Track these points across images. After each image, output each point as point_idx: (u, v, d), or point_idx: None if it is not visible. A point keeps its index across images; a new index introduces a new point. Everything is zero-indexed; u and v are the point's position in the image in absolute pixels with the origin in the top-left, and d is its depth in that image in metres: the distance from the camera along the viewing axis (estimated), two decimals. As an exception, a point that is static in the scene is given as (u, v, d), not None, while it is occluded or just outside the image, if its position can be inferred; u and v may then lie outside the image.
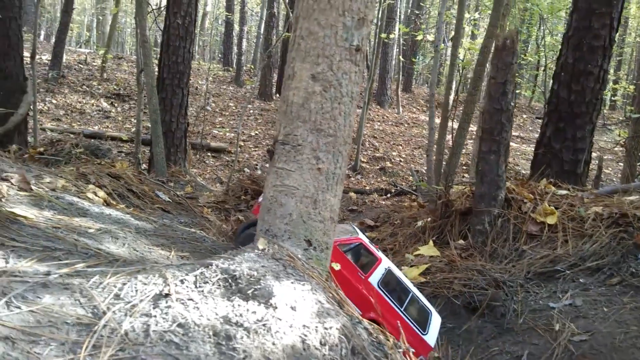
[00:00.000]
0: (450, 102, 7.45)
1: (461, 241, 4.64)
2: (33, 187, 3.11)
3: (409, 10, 20.57)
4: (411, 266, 4.49)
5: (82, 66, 17.00)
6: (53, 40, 16.56)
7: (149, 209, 4.86)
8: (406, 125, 16.45)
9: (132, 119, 14.18)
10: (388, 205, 8.97)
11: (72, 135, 11.26)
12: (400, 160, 13.41)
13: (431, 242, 4.76)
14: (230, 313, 1.78)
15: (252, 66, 20.05)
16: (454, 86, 7.97)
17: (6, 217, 2.58)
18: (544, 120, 6.11)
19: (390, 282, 3.40)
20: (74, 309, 1.82)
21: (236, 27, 19.07)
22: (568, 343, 3.59)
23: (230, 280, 1.96)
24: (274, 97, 16.51)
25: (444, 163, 7.24)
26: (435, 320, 3.61)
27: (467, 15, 10.58)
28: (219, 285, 1.94)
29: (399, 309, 3.43)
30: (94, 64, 17.24)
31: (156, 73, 8.11)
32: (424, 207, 5.73)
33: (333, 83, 2.20)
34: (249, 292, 1.88)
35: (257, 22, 21.38)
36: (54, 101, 14.57)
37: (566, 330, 3.66)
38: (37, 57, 10.57)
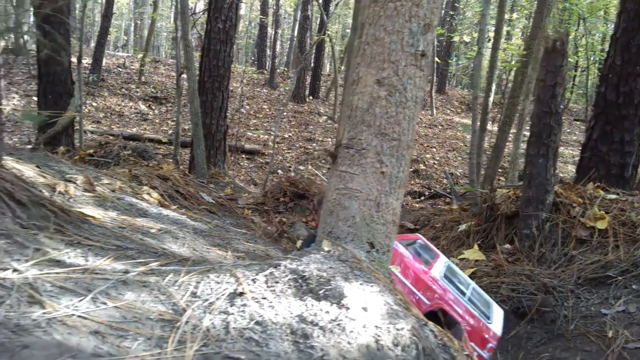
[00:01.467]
0: (489, 104, 7.37)
1: (507, 245, 4.60)
2: (96, 188, 3.24)
3: (443, 12, 20.44)
4: (457, 270, 4.47)
5: (120, 70, 17.46)
6: (93, 44, 17.05)
7: (196, 210, 4.98)
8: (440, 127, 16.33)
9: (169, 121, 14.49)
10: (424, 207, 8.93)
11: (111, 137, 11.58)
12: (434, 163, 13.32)
13: (476, 246, 4.73)
14: (304, 312, 1.84)
15: (286, 69, 20.22)
16: (493, 88, 7.88)
17: (77, 217, 2.70)
18: (590, 122, 6.00)
19: (451, 276, 3.49)
20: (155, 305, 1.90)
21: (270, 30, 19.26)
22: (622, 350, 3.53)
23: (300, 281, 2.01)
24: (307, 100, 16.61)
25: (482, 166, 7.18)
26: (498, 311, 3.65)
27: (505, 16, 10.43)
28: (290, 285, 2.00)
29: (462, 299, 3.48)
30: (132, 67, 17.68)
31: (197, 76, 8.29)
32: (466, 210, 5.69)
33: (398, 88, 2.23)
34: (320, 292, 1.93)
35: (291, 25, 21.55)
36: (94, 104, 15.01)
37: (620, 337, 3.60)
38: (73, 60, 10.90)
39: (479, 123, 6.68)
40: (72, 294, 1.89)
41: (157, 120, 14.58)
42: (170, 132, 13.32)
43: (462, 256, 4.66)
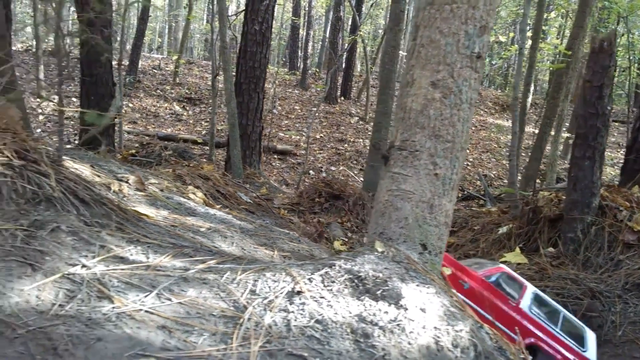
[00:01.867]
0: (528, 105, 7.25)
1: (551, 249, 4.53)
2: (147, 188, 3.33)
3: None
4: (498, 273, 4.42)
5: (156, 71, 17.81)
6: (128, 46, 17.46)
7: (236, 210, 5.05)
8: (473, 128, 16.13)
9: (203, 122, 14.71)
10: (458, 209, 8.84)
11: (147, 138, 11.83)
12: (468, 165, 13.16)
13: (518, 249, 4.67)
14: (363, 312, 1.86)
15: (317, 70, 20.28)
16: (531, 89, 7.74)
17: (133, 215, 2.78)
18: (635, 124, 5.84)
19: (540, 305, 3.46)
20: (217, 302, 1.96)
21: (301, 31, 19.36)
22: (674, 358, 3.44)
23: (356, 281, 2.04)
24: (339, 100, 16.63)
25: (520, 168, 7.06)
26: (591, 337, 3.59)
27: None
28: (346, 285, 2.02)
29: (554, 330, 3.45)
30: (167, 69, 18.02)
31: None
32: (505, 212, 5.62)
33: (453, 90, 2.23)
34: (378, 292, 1.95)
35: (322, 26, 21.60)
36: (130, 105, 15.35)
37: (671, 345, 3.51)
38: (114, 63, 11.17)
39: (505, 123, 6.57)
40: (137, 290, 1.95)
41: (191, 121, 14.82)
42: (204, 132, 13.52)
43: (503, 259, 4.60)
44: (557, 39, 17.09)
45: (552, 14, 13.27)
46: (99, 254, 2.17)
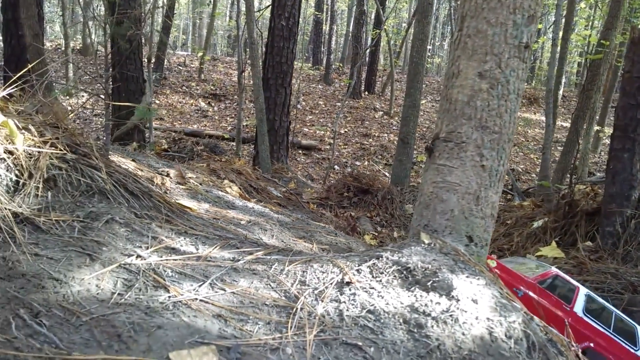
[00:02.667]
0: (559, 98, 7.12)
1: (589, 243, 4.46)
2: (187, 182, 3.39)
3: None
4: (535, 267, 4.37)
5: (181, 68, 18.01)
6: (154, 43, 17.66)
7: (269, 204, 5.10)
8: (499, 122, 15.91)
9: (228, 118, 14.83)
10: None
11: (174, 134, 11.98)
12: (495, 159, 12.98)
13: (554, 243, 4.60)
14: (415, 303, 1.86)
15: (341, 64, 20.24)
16: (563, 81, 7.60)
17: (177, 208, 2.83)
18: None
19: (593, 307, 3.45)
20: (268, 292, 1.98)
21: (325, 26, 19.34)
22: None
23: (404, 272, 2.04)
24: (363, 95, 16.58)
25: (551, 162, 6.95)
26: None
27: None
28: (395, 276, 2.03)
29: (608, 331, 3.49)
30: (192, 65, 18.21)
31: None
32: (540, 206, 5.54)
33: (500, 80, 2.21)
34: (428, 284, 1.95)
35: (345, 21, 21.53)
36: (157, 101, 15.55)
37: None
38: (144, 60, 11.33)
39: (537, 116, 6.46)
40: (191, 280, 1.99)
41: (216, 117, 14.95)
42: (229, 128, 13.63)
43: (539, 253, 4.55)
44: (586, 29, 16.73)
45: (582, 4, 12.98)
46: (152, 245, 2.22)
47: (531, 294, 3.20)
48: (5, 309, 1.55)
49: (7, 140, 2.07)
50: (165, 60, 17.14)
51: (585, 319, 3.38)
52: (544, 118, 16.16)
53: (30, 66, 2.66)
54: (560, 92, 7.17)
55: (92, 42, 16.14)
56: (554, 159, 9.93)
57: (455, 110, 2.28)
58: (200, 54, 16.92)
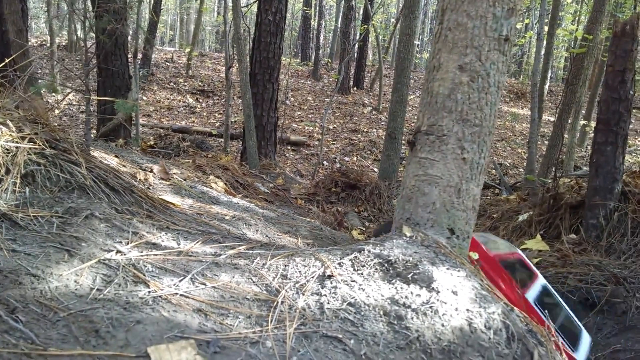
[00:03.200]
0: (545, 92, 7.17)
1: (573, 235, 4.50)
2: (170, 177, 3.37)
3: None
4: (519, 260, 4.40)
5: (168, 64, 17.88)
6: (141, 39, 17.52)
7: (255, 199, 5.09)
8: (487, 117, 16.00)
9: (216, 114, 14.76)
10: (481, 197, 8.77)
11: (161, 130, 11.90)
12: (483, 153, 13.06)
13: (539, 236, 4.64)
14: (395, 295, 1.87)
15: (330, 60, 20.23)
16: (548, 75, 7.65)
17: (160, 203, 2.82)
18: (657, 109, 5.76)
19: (546, 300, 3.46)
20: (249, 286, 1.98)
21: (313, 21, 19.30)
22: (699, 344, 3.42)
23: (386, 265, 2.05)
24: (351, 91, 16.58)
25: (537, 156, 7.00)
26: (585, 339, 3.59)
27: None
28: (377, 268, 2.04)
29: (553, 327, 3.44)
30: (180, 61, 18.09)
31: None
32: (525, 200, 5.59)
33: (481, 73, 2.22)
34: (409, 276, 1.96)
35: (333, 16, 21.50)
36: (144, 98, 15.43)
37: (697, 330, 3.49)
38: (129, 56, 11.23)
39: (524, 111, 6.51)
40: (172, 275, 1.98)
41: (204, 113, 14.87)
42: (217, 124, 13.57)
43: (524, 246, 4.59)
44: (573, 24, 16.85)
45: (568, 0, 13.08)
46: (132, 240, 2.21)
47: (485, 267, 3.17)
48: (-20, 305, 1.53)
49: (-17, 136, 2.04)
50: (153, 56, 17.01)
51: (535, 308, 3.37)
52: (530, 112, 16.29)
53: (7, 61, 2.62)
54: (547, 86, 7.22)
55: (78, 38, 15.96)
56: (541, 153, 10.01)
57: (437, 103, 2.29)
58: (187, 50, 16.81)
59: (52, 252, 1.92)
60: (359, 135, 13.93)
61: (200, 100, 15.73)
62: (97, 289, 1.80)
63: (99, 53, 7.10)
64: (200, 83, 16.41)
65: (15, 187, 2.11)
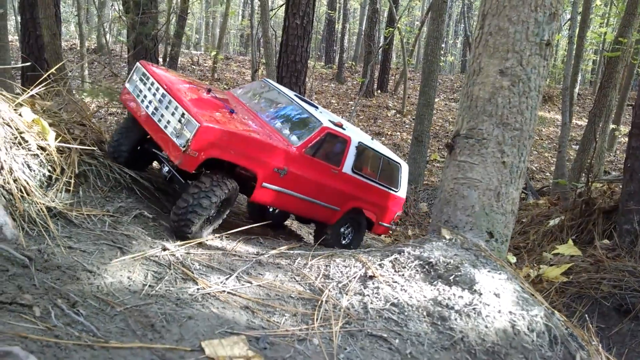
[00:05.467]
0: (575, 96, 7.08)
1: (606, 241, 4.44)
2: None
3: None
4: (551, 265, 4.37)
5: (194, 67, 18.11)
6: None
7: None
8: (513, 120, 15.80)
9: (241, 116, 14.88)
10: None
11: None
12: (509, 157, 12.91)
13: (570, 241, 4.59)
14: (438, 296, 1.90)
15: (354, 63, 20.24)
16: (578, 79, 7.56)
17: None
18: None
19: (361, 159, 3.42)
20: (293, 285, 2.03)
21: (337, 24, 19.36)
22: None
23: (427, 267, 2.08)
24: (376, 94, 16.57)
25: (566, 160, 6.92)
26: (405, 171, 3.88)
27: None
28: (417, 270, 2.06)
29: (374, 181, 3.56)
30: (205, 64, 18.31)
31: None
32: (556, 204, 5.53)
33: (522, 77, 2.23)
34: (450, 278, 1.98)
35: (357, 19, 21.53)
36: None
37: None
38: (160, 59, 11.39)
39: (556, 115, 6.45)
40: (218, 272, 2.05)
41: (229, 116, 15.00)
42: (243, 126, 13.68)
43: (556, 251, 4.54)
44: (602, 27, 16.57)
45: (598, 1, 12.86)
46: (179, 239, 2.28)
47: (295, 170, 2.95)
48: (44, 298, 1.61)
49: (39, 137, 2.13)
50: (179, 60, 17.26)
51: (354, 176, 3.34)
52: (558, 116, 16.03)
53: (56, 67, 2.73)
54: (576, 90, 7.13)
55: (107, 42, 16.30)
56: (568, 157, 9.85)
57: (477, 107, 2.31)
58: (213, 53, 17.01)
59: (105, 249, 1.99)
60: (383, 139, 13.91)
61: (226, 103, 15.90)
62: (149, 285, 1.87)
63: (143, 58, 7.25)
64: (225, 86, 16.58)
65: (70, 186, 2.20)
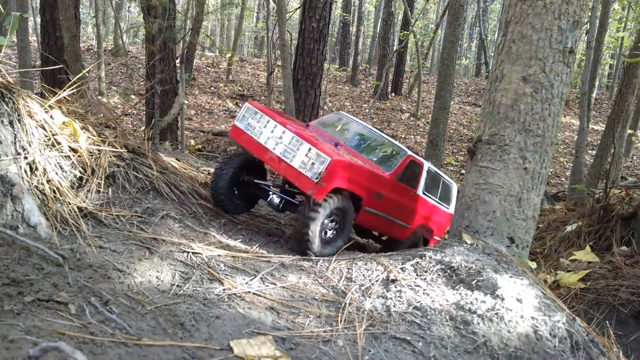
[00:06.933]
0: (592, 100, 7.04)
1: (624, 247, 4.41)
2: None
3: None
4: (568, 271, 4.35)
5: (209, 69, 18.26)
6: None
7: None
8: (527, 124, 15.70)
9: (256, 118, 14.95)
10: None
11: (202, 134, 12.17)
12: (523, 162, 12.83)
13: (588, 247, 4.57)
14: (460, 301, 1.92)
15: (368, 66, 20.26)
16: (596, 83, 7.51)
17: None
18: None
19: (429, 181, 3.84)
20: (316, 287, 2.07)
21: (352, 27, 19.40)
22: None
23: (448, 271, 2.10)
24: (389, 97, 16.57)
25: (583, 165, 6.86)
26: (455, 190, 4.25)
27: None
28: (439, 274, 2.09)
29: (436, 200, 3.94)
30: (220, 66, 18.45)
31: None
32: (572, 210, 5.50)
33: (544, 84, 2.25)
34: (472, 282, 2.00)
35: (372, 22, 21.55)
36: (186, 102, 15.78)
37: None
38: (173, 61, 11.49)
39: (573, 121, 6.41)
40: (243, 274, 2.09)
41: (244, 117, 15.08)
42: (257, 128, 13.74)
43: (573, 257, 4.52)
44: (619, 31, 16.42)
45: (615, 5, 12.75)
46: (204, 240, 2.33)
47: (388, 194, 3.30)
48: (78, 296, 1.66)
49: (71, 139, 2.19)
50: (194, 62, 17.41)
51: (423, 197, 3.73)
52: (573, 121, 15.88)
53: (85, 70, 2.80)
54: (593, 95, 7.08)
55: (124, 43, 16.47)
56: (585, 162, 9.77)
57: (499, 113, 2.33)
58: (228, 55, 17.14)
59: (134, 249, 2.04)
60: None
61: (240, 105, 16.00)
62: (177, 285, 1.92)
63: (167, 62, 7.35)
64: (240, 88, 16.69)
65: (100, 187, 2.25)
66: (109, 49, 20.04)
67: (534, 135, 2.28)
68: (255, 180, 3.21)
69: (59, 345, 1.08)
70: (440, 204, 4.06)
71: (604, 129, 7.73)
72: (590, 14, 5.98)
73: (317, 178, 2.70)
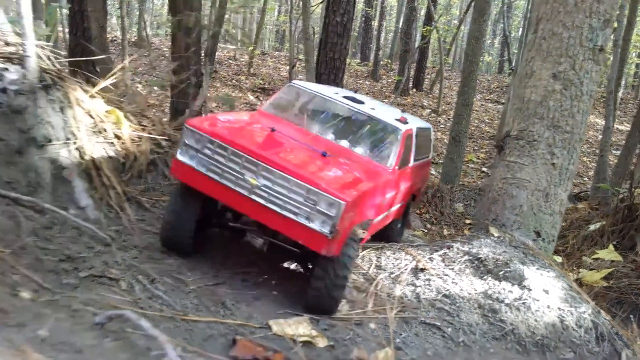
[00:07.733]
0: (618, 100, 6.98)
1: (648, 247, 4.40)
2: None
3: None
4: (591, 269, 4.36)
5: (231, 62, 18.41)
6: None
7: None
8: (550, 123, 15.54)
9: (276, 112, 15.05)
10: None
11: (223, 126, 12.29)
12: (545, 160, 12.71)
13: (611, 246, 4.57)
14: (488, 290, 1.99)
15: (389, 61, 20.21)
16: (622, 82, 7.42)
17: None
18: None
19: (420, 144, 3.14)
20: (348, 274, 2.15)
21: (374, 22, 19.35)
22: None
23: (476, 262, 2.17)
24: (411, 92, 16.53)
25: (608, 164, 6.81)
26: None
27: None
28: (467, 265, 2.16)
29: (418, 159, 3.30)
30: (242, 59, 18.58)
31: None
32: (596, 209, 5.49)
33: (574, 82, 2.29)
34: (500, 273, 2.07)
35: (394, 17, 21.46)
36: (208, 94, 15.94)
37: None
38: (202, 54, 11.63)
39: (598, 120, 6.36)
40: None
41: (265, 111, 15.19)
42: (278, 122, 13.82)
43: (596, 256, 4.53)
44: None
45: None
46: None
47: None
48: (126, 274, 1.76)
49: (115, 127, 2.30)
50: (216, 54, 17.56)
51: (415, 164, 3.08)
52: (597, 120, 15.67)
53: (131, 58, 2.89)
54: (619, 94, 7.02)
55: (147, 35, 16.66)
56: (609, 162, 9.66)
57: (528, 109, 2.37)
58: (250, 48, 17.23)
59: (174, 232, 2.15)
60: (417, 137, 13.87)
61: (261, 98, 16.10)
62: (217, 268, 2.01)
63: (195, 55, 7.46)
64: (261, 81, 16.79)
65: (141, 173, 2.36)
66: (132, 40, 20.27)
67: (563, 132, 2.33)
68: (230, 224, 2.21)
69: (124, 313, 1.18)
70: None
71: (629, 129, 7.65)
72: (618, 12, 5.92)
73: (331, 233, 1.92)
